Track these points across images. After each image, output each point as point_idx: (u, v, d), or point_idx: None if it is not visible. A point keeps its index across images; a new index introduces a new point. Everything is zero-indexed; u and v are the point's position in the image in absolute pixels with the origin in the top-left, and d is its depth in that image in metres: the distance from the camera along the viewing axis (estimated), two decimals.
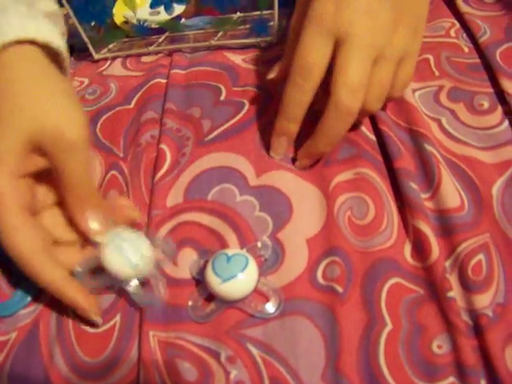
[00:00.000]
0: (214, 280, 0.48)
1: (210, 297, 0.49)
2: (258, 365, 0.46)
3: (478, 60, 0.67)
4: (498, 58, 0.64)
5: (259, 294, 0.49)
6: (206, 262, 0.50)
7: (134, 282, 0.49)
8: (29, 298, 0.53)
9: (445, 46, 0.70)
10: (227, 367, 0.46)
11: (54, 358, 0.49)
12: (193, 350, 0.47)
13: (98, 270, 0.50)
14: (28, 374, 0.49)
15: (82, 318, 0.51)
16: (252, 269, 0.48)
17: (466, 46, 0.70)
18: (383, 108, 0.61)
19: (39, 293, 0.53)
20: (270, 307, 0.48)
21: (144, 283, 0.50)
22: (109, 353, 0.49)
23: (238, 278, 0.47)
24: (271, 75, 0.62)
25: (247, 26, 0.80)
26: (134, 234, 0.49)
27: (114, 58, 0.81)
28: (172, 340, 0.48)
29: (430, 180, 0.55)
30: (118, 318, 0.51)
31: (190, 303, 0.50)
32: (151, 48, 0.79)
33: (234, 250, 0.50)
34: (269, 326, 0.48)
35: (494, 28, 0.69)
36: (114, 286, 0.50)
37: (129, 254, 0.47)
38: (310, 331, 0.47)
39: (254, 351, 0.47)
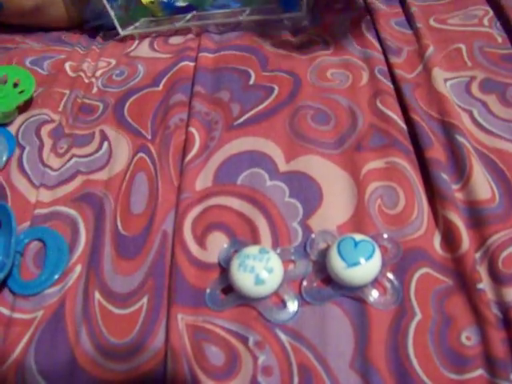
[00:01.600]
0: (338, 264, 0.47)
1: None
2: (287, 351, 0.46)
3: (511, 50, 0.66)
4: None
5: (378, 284, 0.48)
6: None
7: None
8: (56, 277, 0.53)
9: (478, 35, 0.70)
10: (255, 352, 0.46)
11: (79, 336, 0.49)
12: (220, 334, 0.47)
13: (227, 289, 0.49)
14: (54, 352, 0.48)
15: (109, 298, 0.51)
16: (377, 258, 0.47)
17: (499, 35, 0.69)
18: (414, 97, 0.61)
19: (65, 272, 0.53)
20: (388, 300, 0.48)
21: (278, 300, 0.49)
22: (135, 335, 0.48)
23: (362, 265, 0.46)
24: None
25: (274, 3, 0.78)
26: (260, 249, 0.49)
27: (141, 39, 0.81)
28: (200, 323, 0.48)
29: (461, 171, 0.54)
30: (145, 299, 0.50)
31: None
32: (178, 24, 0.78)
33: (360, 235, 0.49)
34: (299, 313, 0.48)
35: None
36: (246, 303, 0.49)
37: (256, 270, 0.47)
38: (339, 318, 0.47)
39: (283, 337, 0.46)
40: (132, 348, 0.48)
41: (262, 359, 0.45)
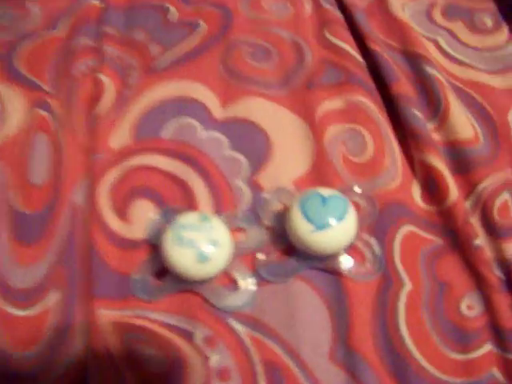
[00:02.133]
0: (303, 227, 0.40)
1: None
2: (247, 346, 0.40)
3: None
4: None
5: (354, 250, 0.43)
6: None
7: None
8: None
9: None
10: (205, 351, 0.39)
11: None
12: (157, 331, 0.41)
13: (161, 272, 0.42)
14: None
15: (6, 296, 0.43)
16: (352, 217, 0.41)
17: None
18: (370, 26, 0.58)
19: None
20: (369, 268, 0.42)
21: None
22: (43, 343, 0.41)
23: (334, 227, 0.40)
24: None
25: None
26: (200, 216, 0.41)
27: None
28: (129, 320, 0.41)
29: (435, 107, 0.51)
30: (54, 295, 0.43)
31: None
32: None
33: (328, 190, 0.42)
34: (257, 294, 0.42)
35: None
36: (187, 288, 0.42)
37: (196, 244, 0.39)
38: (310, 298, 0.41)
39: (240, 328, 0.40)
40: (40, 361, 0.41)
41: (214, 359, 0.39)
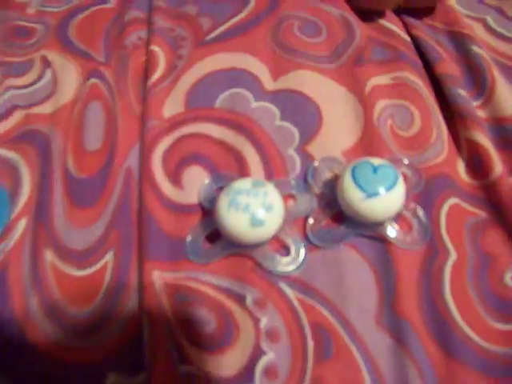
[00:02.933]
0: (354, 195, 0.40)
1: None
2: (296, 309, 0.41)
3: None
4: None
5: (402, 219, 0.43)
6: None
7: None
8: None
9: None
10: (255, 313, 0.40)
11: (29, 307, 0.42)
12: (209, 293, 0.41)
13: (214, 236, 0.43)
14: None
15: (64, 257, 0.44)
16: (401, 186, 0.41)
17: None
18: (414, 15, 0.59)
19: (7, 228, 0.47)
20: (416, 237, 0.43)
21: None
22: (99, 301, 0.43)
23: (384, 196, 0.40)
24: None
25: None
26: (254, 182, 0.42)
27: None
28: (182, 282, 0.42)
29: (481, 85, 0.52)
30: (109, 256, 0.44)
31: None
32: None
33: (379, 159, 0.43)
34: (306, 259, 0.42)
35: None
36: (239, 252, 0.42)
37: (251, 208, 0.39)
38: (358, 264, 0.42)
39: (289, 292, 0.41)
40: (97, 318, 0.42)
41: (264, 321, 0.40)
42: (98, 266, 0.44)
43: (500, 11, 0.59)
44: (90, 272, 0.44)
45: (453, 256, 0.42)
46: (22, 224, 0.47)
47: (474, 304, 0.40)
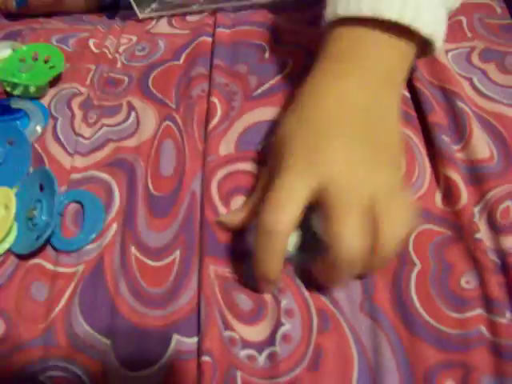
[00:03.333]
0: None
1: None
2: (306, 296, 0.50)
3: (510, 21, 0.69)
4: None
5: None
6: None
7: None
8: (93, 235, 0.57)
9: (478, 6, 0.72)
10: (279, 296, 0.49)
11: (119, 287, 0.52)
12: (246, 282, 0.51)
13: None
14: (96, 302, 0.52)
15: (144, 252, 0.55)
16: None
17: (499, 6, 0.71)
18: (419, 68, 0.64)
19: (103, 230, 0.57)
20: None
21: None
22: (169, 284, 0.52)
23: None
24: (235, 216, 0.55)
25: None
26: None
27: (159, 18, 0.83)
28: (229, 274, 0.51)
29: (462, 133, 0.57)
30: (177, 252, 0.54)
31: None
32: (195, 7, 0.82)
33: None
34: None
35: None
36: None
37: None
38: None
39: (301, 284, 0.50)
40: (167, 296, 0.51)
41: (284, 303, 0.49)
42: (169, 260, 0.53)
43: (484, 73, 0.63)
44: (163, 263, 0.53)
45: (418, 266, 0.49)
46: (114, 227, 0.57)
47: (434, 299, 0.47)
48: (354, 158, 0.45)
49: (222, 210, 0.55)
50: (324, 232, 0.43)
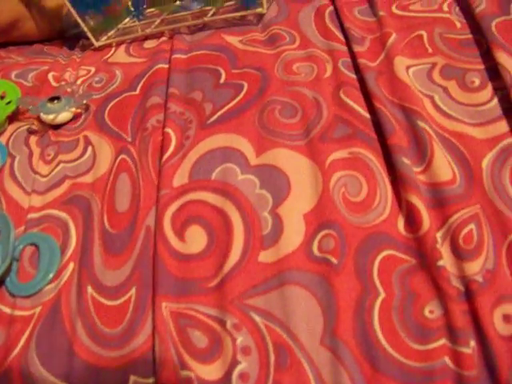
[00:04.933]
0: None
1: None
2: (262, 331, 0.49)
3: (470, 36, 0.68)
4: (493, 30, 0.64)
5: None
6: None
7: None
8: (50, 275, 0.57)
9: (438, 21, 0.71)
10: (234, 334, 0.49)
11: (76, 329, 0.52)
12: (202, 319, 0.50)
13: None
14: (53, 345, 0.52)
15: (100, 291, 0.54)
16: None
17: (458, 21, 0.71)
18: (378, 85, 0.64)
19: (59, 270, 0.57)
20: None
21: None
22: (125, 324, 0.52)
23: None
24: None
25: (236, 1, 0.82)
26: None
27: (118, 46, 0.83)
28: (183, 310, 0.51)
29: (423, 154, 0.56)
30: (133, 290, 0.54)
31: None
32: (148, 30, 0.82)
33: None
34: (268, 295, 0.50)
35: (488, 0, 0.69)
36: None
37: None
38: (307, 300, 0.49)
39: (257, 319, 0.50)
40: (124, 336, 0.51)
41: (240, 340, 0.49)
42: (125, 297, 0.53)
43: (446, 91, 0.62)
44: (119, 302, 0.53)
45: (382, 295, 0.48)
46: (71, 267, 0.57)
47: (397, 330, 0.47)
48: None
49: (175, 243, 0.55)
50: None
